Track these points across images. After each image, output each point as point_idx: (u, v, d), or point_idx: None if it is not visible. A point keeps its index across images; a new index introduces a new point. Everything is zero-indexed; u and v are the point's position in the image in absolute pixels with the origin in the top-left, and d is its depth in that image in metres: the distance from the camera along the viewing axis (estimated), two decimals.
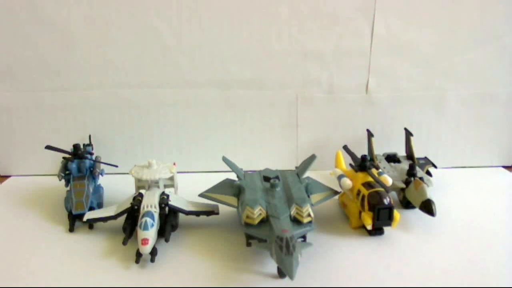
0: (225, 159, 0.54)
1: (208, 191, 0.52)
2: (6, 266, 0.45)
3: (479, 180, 0.65)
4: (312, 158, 0.55)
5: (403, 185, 0.56)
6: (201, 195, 0.52)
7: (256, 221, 0.44)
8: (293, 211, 0.45)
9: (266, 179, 0.51)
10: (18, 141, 0.67)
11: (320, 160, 0.55)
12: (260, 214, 0.44)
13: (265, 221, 0.44)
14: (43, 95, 0.65)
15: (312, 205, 0.47)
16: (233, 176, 0.55)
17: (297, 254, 0.39)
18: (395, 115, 0.68)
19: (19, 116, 0.66)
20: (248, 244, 0.46)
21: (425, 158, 0.65)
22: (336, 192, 0.55)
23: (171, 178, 0.54)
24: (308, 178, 0.54)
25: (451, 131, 0.69)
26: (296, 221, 0.44)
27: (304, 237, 0.45)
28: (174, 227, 0.49)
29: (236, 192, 0.50)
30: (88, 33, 0.62)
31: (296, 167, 0.57)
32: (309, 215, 0.45)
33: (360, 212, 0.51)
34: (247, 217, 0.44)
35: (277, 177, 0.51)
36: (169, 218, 0.49)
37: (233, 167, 0.54)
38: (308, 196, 0.49)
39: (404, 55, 0.65)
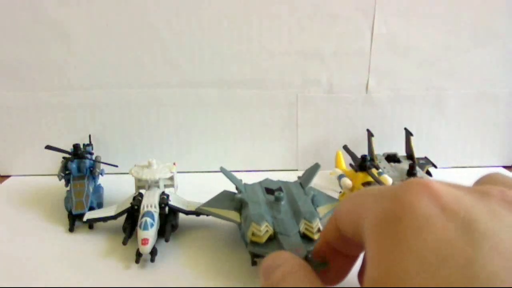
0: (223, 170, 0.51)
1: (206, 204, 0.49)
2: (6, 266, 0.45)
3: None
4: (315, 167, 0.52)
5: None
6: (198, 209, 0.48)
7: (264, 239, 0.40)
8: (302, 227, 0.41)
9: (269, 191, 0.48)
10: (18, 141, 0.67)
11: (320, 160, 0.55)
12: (267, 231, 0.40)
13: (272, 239, 0.40)
14: (43, 95, 0.65)
15: (320, 219, 0.43)
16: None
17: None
18: (395, 115, 0.68)
19: (19, 116, 0.66)
20: (254, 263, 0.42)
21: (425, 158, 0.65)
22: None
23: (171, 178, 0.54)
24: (312, 189, 0.50)
25: (451, 131, 0.69)
26: (305, 238, 0.41)
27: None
28: (174, 227, 0.49)
29: (238, 206, 0.46)
30: (88, 33, 0.62)
31: (299, 177, 0.54)
32: (319, 230, 0.41)
33: None
34: (253, 234, 0.40)
35: (280, 189, 0.48)
36: (169, 218, 0.49)
37: (232, 178, 0.50)
38: (315, 209, 0.45)
39: (404, 55, 0.65)
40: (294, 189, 0.49)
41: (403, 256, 0.18)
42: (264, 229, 0.40)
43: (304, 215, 0.42)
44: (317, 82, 0.66)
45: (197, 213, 0.51)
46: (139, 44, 0.63)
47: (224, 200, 0.49)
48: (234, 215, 0.46)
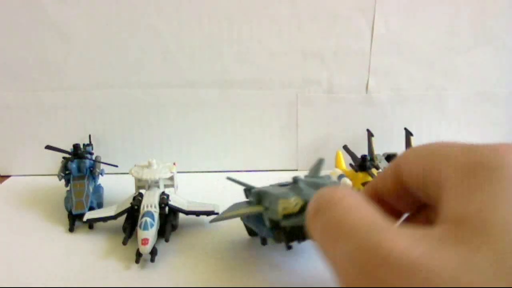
0: (230, 178, 0.48)
1: (221, 214, 0.46)
2: (6, 266, 0.45)
3: None
4: (320, 162, 0.49)
5: None
6: (215, 220, 0.46)
7: (297, 208, 0.38)
8: None
9: (282, 185, 0.45)
10: (18, 141, 0.67)
11: None
12: (297, 203, 0.38)
13: (305, 209, 0.37)
14: (43, 95, 0.65)
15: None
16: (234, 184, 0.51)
17: None
18: (395, 115, 0.68)
19: (19, 116, 0.66)
20: (289, 247, 0.40)
21: None
22: None
23: (171, 178, 0.54)
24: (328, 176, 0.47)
25: (451, 131, 0.69)
26: None
27: None
28: (174, 227, 0.49)
29: (257, 200, 0.43)
30: (88, 33, 0.62)
31: (306, 176, 0.49)
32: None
33: None
34: (284, 209, 0.38)
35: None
36: (169, 218, 0.49)
37: (240, 182, 0.48)
38: None
39: (404, 55, 0.65)
40: (305, 177, 0.46)
41: (497, 200, 0.16)
42: (293, 202, 0.38)
43: (329, 184, 0.41)
44: (317, 82, 0.66)
45: (197, 213, 0.51)
46: (139, 44, 0.63)
47: (238, 206, 0.46)
48: (255, 208, 0.43)
